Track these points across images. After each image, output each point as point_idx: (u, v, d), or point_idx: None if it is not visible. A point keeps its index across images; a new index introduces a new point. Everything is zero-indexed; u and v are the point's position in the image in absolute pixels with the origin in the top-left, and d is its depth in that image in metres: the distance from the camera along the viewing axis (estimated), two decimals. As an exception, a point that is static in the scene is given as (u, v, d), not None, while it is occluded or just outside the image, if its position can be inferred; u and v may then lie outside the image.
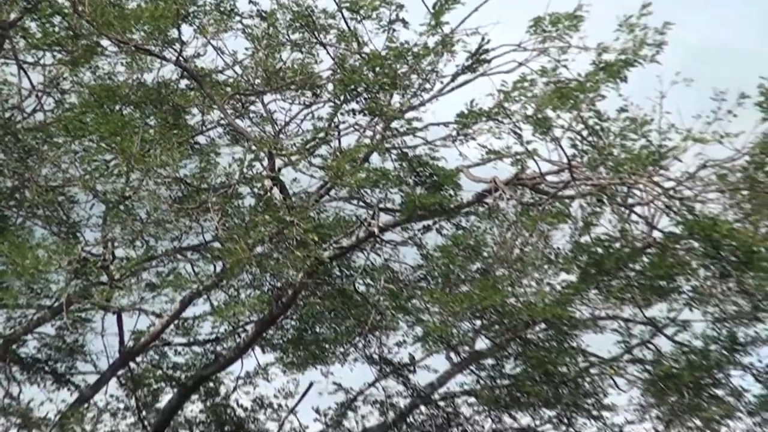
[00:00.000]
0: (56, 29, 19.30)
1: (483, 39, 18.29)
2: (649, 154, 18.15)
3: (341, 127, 19.08)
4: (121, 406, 22.20)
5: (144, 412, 22.07)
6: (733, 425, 22.03)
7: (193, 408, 22.41)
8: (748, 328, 21.11)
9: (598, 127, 18.52)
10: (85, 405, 20.74)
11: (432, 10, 18.19)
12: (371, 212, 19.23)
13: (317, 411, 22.52)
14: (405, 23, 18.44)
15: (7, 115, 20.11)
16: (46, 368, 22.14)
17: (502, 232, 19.32)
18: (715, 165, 18.59)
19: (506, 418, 22.36)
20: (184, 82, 19.04)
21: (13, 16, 19.03)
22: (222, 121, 19.27)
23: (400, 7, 18.28)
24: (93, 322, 21.53)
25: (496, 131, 18.65)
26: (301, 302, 20.21)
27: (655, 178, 18.44)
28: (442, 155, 19.04)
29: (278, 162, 18.64)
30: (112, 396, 22.01)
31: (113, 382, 21.62)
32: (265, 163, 18.69)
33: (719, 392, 21.52)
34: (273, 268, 18.99)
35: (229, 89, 18.98)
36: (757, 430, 22.12)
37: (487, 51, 18.43)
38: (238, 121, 19.20)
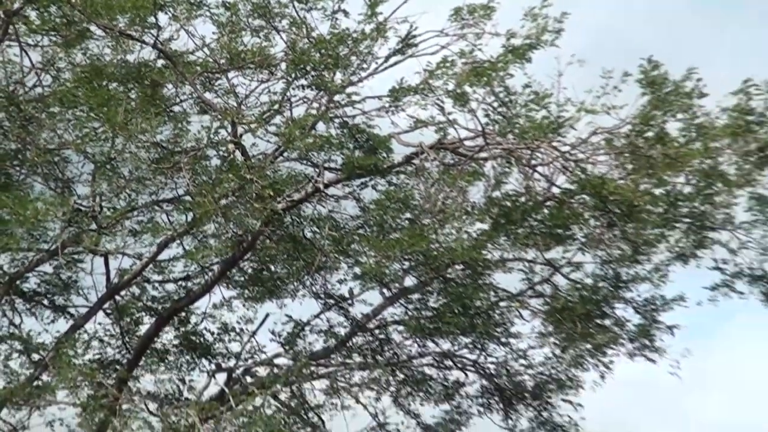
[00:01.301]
0: (52, 17, 19.29)
1: (411, 26, 18.49)
2: (549, 123, 18.55)
3: (292, 99, 19.18)
4: (108, 333, 22.21)
5: (127, 338, 22.09)
6: (616, 350, 22.26)
7: (169, 334, 22.42)
8: (629, 269, 21.40)
9: (507, 100, 18.76)
10: (78, 332, 20.78)
11: (368, 2, 18.30)
12: (317, 171, 19.36)
13: (272, 332, 22.55)
14: (345, 13, 18.52)
15: (11, 88, 20.07)
16: (45, 301, 22.19)
17: (427, 188, 19.39)
18: (603, 132, 19.01)
19: (429, 344, 22.48)
20: (160, 62, 18.98)
21: (16, 5, 19.01)
22: (192, 95, 19.24)
23: (341, -1, 18.45)
24: (84, 263, 21.53)
25: (422, 104, 18.88)
26: (258, 246, 20.29)
27: (554, 143, 18.88)
28: (376, 124, 19.26)
29: (240, 129, 18.75)
30: (100, 324, 22.00)
31: (101, 313, 21.67)
32: (229, 129, 18.79)
33: (606, 322, 21.75)
34: (235, 217, 19.04)
35: (198, 68, 18.93)
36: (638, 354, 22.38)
37: (414, 36, 18.59)
38: (206, 94, 19.17)
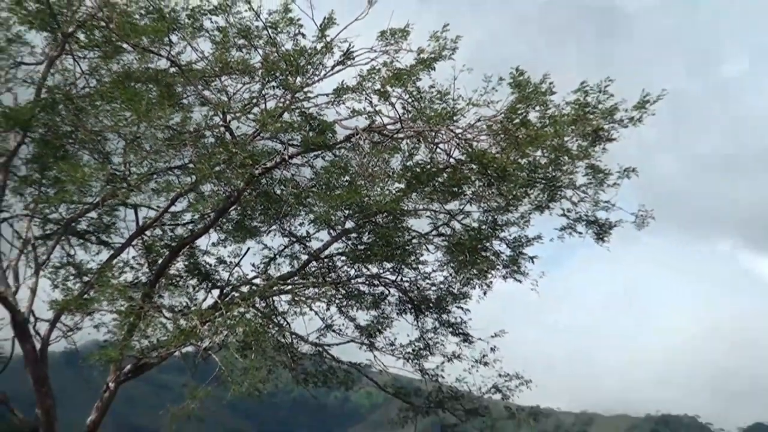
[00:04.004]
0: (96, 37, 19.50)
1: (349, 44, 18.86)
2: (447, 113, 18.80)
3: (266, 96, 19.48)
4: (137, 261, 22.22)
5: (150, 265, 22.18)
6: (494, 274, 22.35)
7: (179, 264, 22.43)
8: (503, 216, 21.49)
9: (417, 97, 19.07)
10: (115, 261, 20.94)
11: (319, 27, 18.63)
12: (284, 146, 19.73)
13: (253, 265, 22.71)
14: (303, 35, 18.95)
15: (67, 88, 20.24)
16: (92, 238, 22.30)
17: (360, 158, 19.62)
18: (485, 120, 19.25)
19: (363, 269, 22.63)
20: (172, 69, 19.19)
21: (70, 29, 19.22)
22: (195, 92, 19.45)
23: (300, 26, 18.79)
24: (119, 211, 21.70)
25: (357, 99, 19.22)
26: (242, 200, 20.48)
27: (451, 127, 19.10)
28: (325, 113, 19.68)
29: (228, 117, 19.08)
30: (132, 256, 22.18)
31: (131, 247, 21.85)
32: (221, 117, 19.09)
33: (487, 254, 21.82)
34: (225, 179, 19.33)
35: (199, 73, 19.20)
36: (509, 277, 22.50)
37: (352, 52, 18.89)
38: (204, 92, 19.39)
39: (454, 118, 19.07)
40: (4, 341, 20.84)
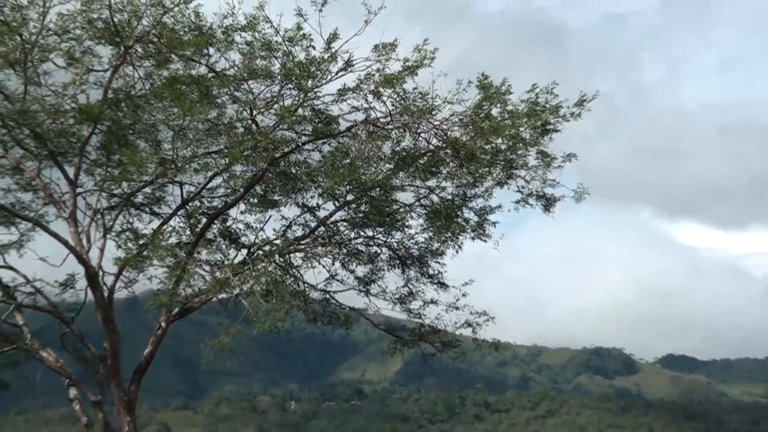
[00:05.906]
0: (150, 49, 19.55)
1: (350, 55, 18.87)
2: (428, 108, 18.93)
3: (284, 95, 19.52)
4: (181, 227, 22.23)
5: (191, 230, 22.18)
6: (464, 236, 22.42)
7: (215, 228, 22.44)
8: (471, 190, 21.53)
9: (403, 96, 19.18)
10: (164, 226, 21.05)
11: (326, 41, 18.68)
12: (298, 135, 19.78)
13: (273, 229, 22.73)
14: (313, 47, 18.91)
15: (127, 89, 20.32)
16: (147, 209, 22.40)
17: (359, 145, 19.83)
18: (457, 114, 19.37)
19: (360, 232, 22.54)
20: (210, 75, 19.26)
21: (130, 42, 19.24)
22: (227, 93, 19.51)
23: (311, 40, 18.76)
24: (167, 187, 21.78)
25: (356, 98, 19.33)
26: (265, 178, 20.53)
27: (431, 120, 19.20)
28: (330, 109, 19.73)
29: (254, 112, 19.16)
30: (177, 223, 22.21)
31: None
32: (248, 112, 19.16)
33: (458, 220, 21.84)
34: (252, 161, 19.45)
35: (231, 78, 19.27)
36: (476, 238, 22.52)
37: (352, 61, 18.93)
38: (236, 93, 19.47)
39: (433, 112, 19.19)
40: (80, 291, 21.22)
